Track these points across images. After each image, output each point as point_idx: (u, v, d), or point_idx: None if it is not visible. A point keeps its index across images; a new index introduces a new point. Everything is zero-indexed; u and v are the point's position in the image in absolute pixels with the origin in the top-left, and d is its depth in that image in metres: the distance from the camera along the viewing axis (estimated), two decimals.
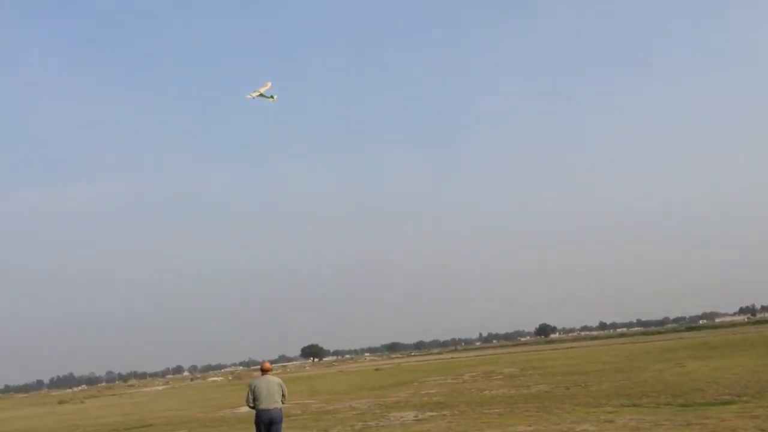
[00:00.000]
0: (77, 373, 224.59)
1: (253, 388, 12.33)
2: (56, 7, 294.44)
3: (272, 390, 12.25)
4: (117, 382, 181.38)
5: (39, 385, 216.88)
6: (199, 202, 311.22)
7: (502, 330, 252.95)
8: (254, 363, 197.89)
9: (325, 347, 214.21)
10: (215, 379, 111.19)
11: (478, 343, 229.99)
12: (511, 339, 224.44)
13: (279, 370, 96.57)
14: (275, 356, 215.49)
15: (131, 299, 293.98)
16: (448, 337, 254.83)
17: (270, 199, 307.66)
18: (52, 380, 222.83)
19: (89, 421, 35.31)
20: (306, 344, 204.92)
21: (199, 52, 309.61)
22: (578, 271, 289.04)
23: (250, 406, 12.42)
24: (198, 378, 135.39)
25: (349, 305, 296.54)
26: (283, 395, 12.44)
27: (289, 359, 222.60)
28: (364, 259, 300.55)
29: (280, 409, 12.33)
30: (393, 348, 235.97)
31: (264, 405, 12.09)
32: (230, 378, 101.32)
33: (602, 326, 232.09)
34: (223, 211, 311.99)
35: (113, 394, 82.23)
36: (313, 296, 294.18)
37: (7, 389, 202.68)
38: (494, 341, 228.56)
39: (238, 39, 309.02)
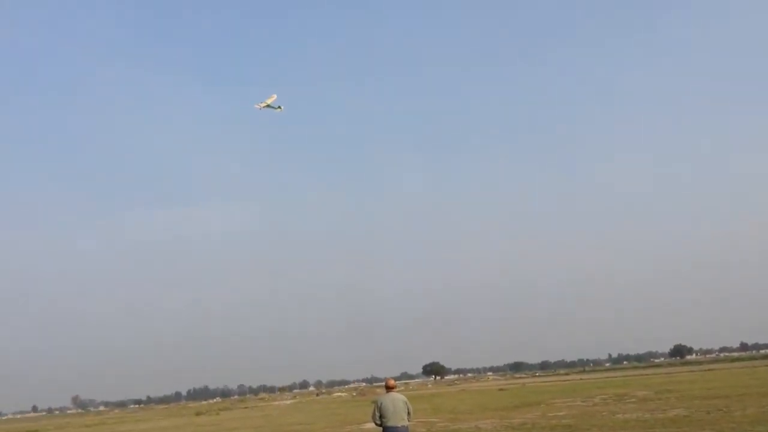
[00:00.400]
0: (212, 386, 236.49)
1: (379, 405, 12.48)
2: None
3: (398, 407, 12.37)
4: (248, 395, 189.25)
5: (177, 397, 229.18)
6: (320, 221, 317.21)
7: (633, 351, 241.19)
8: (376, 379, 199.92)
9: (447, 365, 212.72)
10: (340, 394, 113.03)
11: (607, 365, 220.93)
12: (643, 360, 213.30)
13: (401, 388, 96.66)
14: (397, 373, 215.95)
15: (260, 317, 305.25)
16: (574, 357, 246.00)
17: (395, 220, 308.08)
18: (189, 392, 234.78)
19: None
20: (428, 362, 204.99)
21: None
22: (717, 288, 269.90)
23: (377, 423, 12.57)
24: (323, 393, 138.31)
25: (472, 322, 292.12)
26: (409, 413, 12.54)
27: (411, 377, 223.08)
28: (488, 276, 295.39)
29: (407, 426, 12.41)
30: (516, 367, 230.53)
31: (391, 422, 12.23)
32: (354, 394, 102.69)
33: (743, 347, 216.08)
34: (348, 229, 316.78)
35: (245, 407, 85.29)
36: (434, 313, 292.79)
37: (149, 400, 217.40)
38: (625, 362, 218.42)
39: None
